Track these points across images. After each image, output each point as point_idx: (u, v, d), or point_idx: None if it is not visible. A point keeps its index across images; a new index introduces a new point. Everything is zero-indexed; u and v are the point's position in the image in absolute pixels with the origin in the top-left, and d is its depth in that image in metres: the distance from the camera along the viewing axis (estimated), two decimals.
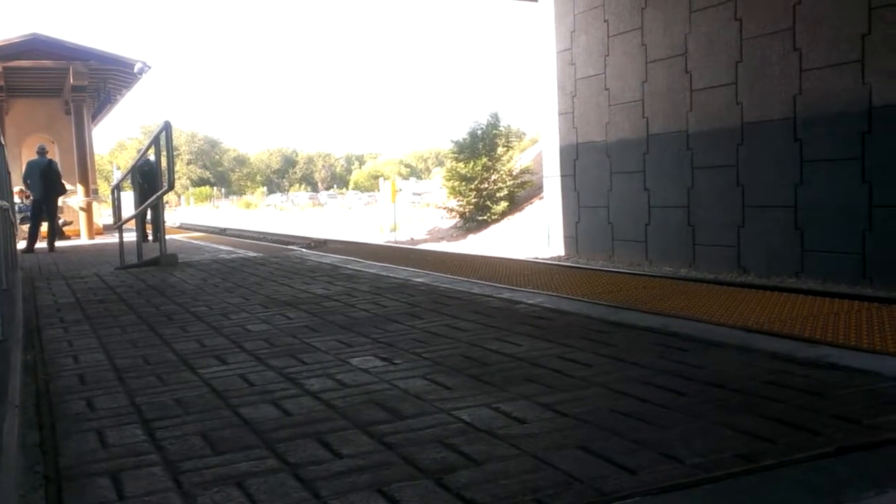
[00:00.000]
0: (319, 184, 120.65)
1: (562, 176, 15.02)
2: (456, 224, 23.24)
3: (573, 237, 14.82)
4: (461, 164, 22.67)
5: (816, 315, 6.02)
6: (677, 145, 11.99)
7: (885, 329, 5.37)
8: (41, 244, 13.93)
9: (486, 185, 22.14)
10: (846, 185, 9.50)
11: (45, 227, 14.27)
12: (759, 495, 1.77)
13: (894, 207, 9.04)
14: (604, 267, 12.24)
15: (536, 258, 14.13)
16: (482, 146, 22.50)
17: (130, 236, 9.93)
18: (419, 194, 63.45)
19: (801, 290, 8.21)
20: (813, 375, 2.71)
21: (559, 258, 14.59)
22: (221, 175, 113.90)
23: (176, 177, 8.32)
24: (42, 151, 14.31)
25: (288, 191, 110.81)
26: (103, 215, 26.86)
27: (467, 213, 22.55)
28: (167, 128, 8.07)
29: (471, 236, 21.35)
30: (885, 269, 9.17)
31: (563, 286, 8.29)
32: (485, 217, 21.89)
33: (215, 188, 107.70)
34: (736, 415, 2.32)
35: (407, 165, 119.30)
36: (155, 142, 8.90)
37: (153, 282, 7.14)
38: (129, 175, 13.42)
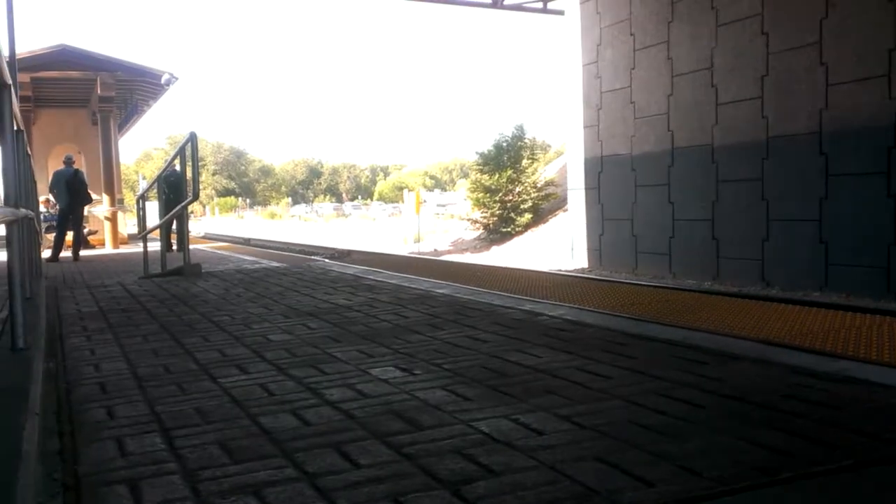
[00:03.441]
0: (344, 195, 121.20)
1: (586, 188, 14.99)
2: (480, 236, 23.24)
3: (597, 249, 14.78)
4: (486, 176, 22.70)
5: (838, 329, 5.96)
6: (702, 159, 11.94)
7: None
8: (66, 253, 14.06)
9: (511, 197, 22.14)
10: (872, 199, 9.42)
11: (70, 236, 14.42)
12: None
13: None
14: (627, 279, 12.20)
15: (559, 270, 14.09)
16: (507, 158, 22.52)
17: (155, 246, 10.00)
18: (443, 206, 63.49)
19: (825, 304, 8.14)
20: (832, 389, 2.68)
21: (583, 270, 14.55)
22: (246, 185, 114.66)
23: (201, 187, 8.37)
24: (69, 161, 14.45)
25: (313, 201, 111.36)
26: (128, 225, 27.11)
27: (491, 225, 22.55)
28: (193, 138, 8.12)
29: (494, 248, 21.34)
30: None
31: (585, 298, 8.26)
32: (509, 229, 21.87)
33: (240, 198, 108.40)
34: (755, 428, 2.30)
35: (431, 177, 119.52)
36: (181, 152, 8.98)
37: (176, 291, 7.19)
38: (155, 185, 13.52)
